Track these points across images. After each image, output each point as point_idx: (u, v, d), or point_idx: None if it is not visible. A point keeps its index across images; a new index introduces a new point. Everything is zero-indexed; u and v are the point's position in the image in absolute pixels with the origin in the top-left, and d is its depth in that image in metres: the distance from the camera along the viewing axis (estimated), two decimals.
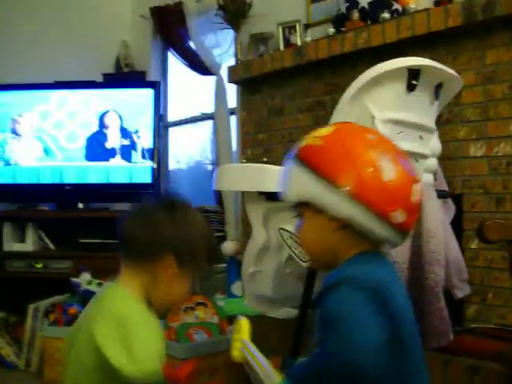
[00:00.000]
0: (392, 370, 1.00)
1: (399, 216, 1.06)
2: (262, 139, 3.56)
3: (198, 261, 1.27)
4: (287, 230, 1.79)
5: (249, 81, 3.54)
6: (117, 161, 3.75)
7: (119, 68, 4.60)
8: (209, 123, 4.22)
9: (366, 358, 0.94)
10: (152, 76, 4.45)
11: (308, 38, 3.18)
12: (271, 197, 1.79)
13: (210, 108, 4.10)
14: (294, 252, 1.81)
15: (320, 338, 1.03)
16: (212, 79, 3.99)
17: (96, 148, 3.77)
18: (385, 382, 1.00)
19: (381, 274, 1.08)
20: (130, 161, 3.75)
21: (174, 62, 4.51)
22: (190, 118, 4.41)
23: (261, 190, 1.79)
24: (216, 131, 3.89)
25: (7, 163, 3.84)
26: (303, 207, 1.13)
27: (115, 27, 4.70)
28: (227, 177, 1.93)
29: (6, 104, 3.89)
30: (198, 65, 4.07)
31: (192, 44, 4.14)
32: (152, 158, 3.74)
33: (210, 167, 4.19)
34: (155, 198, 1.38)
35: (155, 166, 3.73)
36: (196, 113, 4.37)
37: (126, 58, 4.65)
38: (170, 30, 4.32)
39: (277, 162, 3.37)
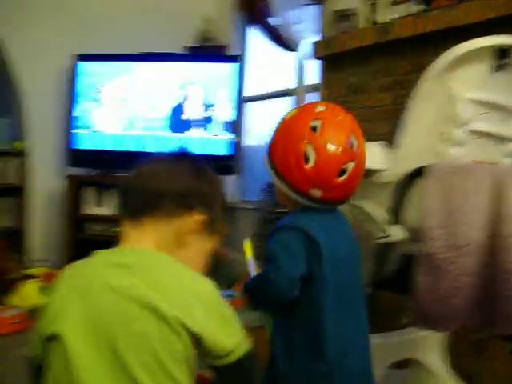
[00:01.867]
0: (309, 295, 1.27)
1: (316, 193, 1.30)
2: None
3: (222, 221, 1.17)
4: (358, 206, 1.79)
5: (330, 57, 3.52)
6: (197, 132, 3.83)
7: (201, 42, 4.67)
8: (287, 100, 4.22)
9: (285, 284, 1.25)
10: (232, 51, 4.49)
11: (392, 16, 3.13)
12: None
13: (289, 84, 4.10)
14: (366, 229, 1.82)
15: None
16: (293, 55, 3.98)
17: (177, 119, 3.86)
18: (302, 303, 1.28)
19: (313, 221, 1.31)
20: (209, 133, 3.83)
21: (255, 37, 4.53)
22: (268, 94, 4.43)
23: None
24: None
25: (91, 130, 4.00)
26: None
27: (199, 1, 4.76)
28: None
29: (91, 74, 4.05)
30: (280, 40, 4.07)
31: (274, 19, 4.14)
32: (231, 131, 3.80)
33: None
34: (167, 153, 1.22)
35: (235, 139, 3.79)
36: (274, 89, 4.38)
37: (207, 31, 4.71)
38: (253, 5, 4.33)
39: None
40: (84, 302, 0.95)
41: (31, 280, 3.57)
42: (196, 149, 3.81)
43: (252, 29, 4.50)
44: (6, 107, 4.47)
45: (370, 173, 1.82)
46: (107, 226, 3.83)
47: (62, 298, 0.99)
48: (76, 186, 3.95)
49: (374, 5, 3.35)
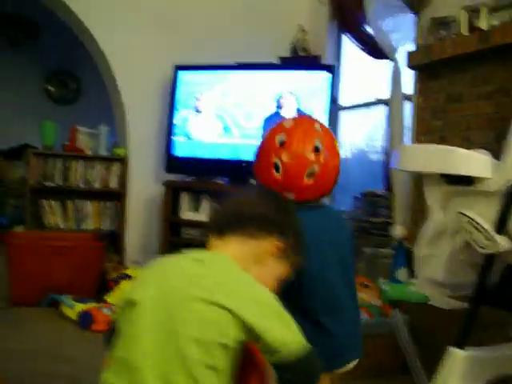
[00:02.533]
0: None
1: (290, 196, 1.51)
2: (438, 126, 3.48)
3: (296, 252, 1.33)
4: (467, 215, 1.76)
5: (427, 66, 3.47)
6: None
7: (295, 52, 4.72)
8: (381, 109, 4.20)
9: None
10: (327, 60, 4.51)
11: (494, 22, 3.05)
12: (453, 180, 1.78)
13: (382, 93, 4.07)
14: (471, 238, 1.79)
15: None
16: (387, 64, 3.95)
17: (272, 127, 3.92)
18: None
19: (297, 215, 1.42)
20: None
21: (349, 46, 4.53)
22: (362, 103, 4.42)
23: (445, 172, 1.78)
24: (390, 117, 3.86)
25: (188, 138, 4.13)
26: None
27: (292, 12, 4.82)
28: (411, 157, 1.94)
29: (190, 83, 4.19)
30: (375, 49, 4.05)
31: (369, 28, 4.13)
32: None
33: (378, 153, 4.17)
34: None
35: None
36: (368, 98, 4.36)
37: (301, 42, 4.75)
38: (347, 14, 4.34)
39: None
40: (160, 280, 1.17)
41: (130, 280, 3.72)
42: None
43: (346, 38, 4.50)
44: (109, 115, 4.70)
45: (474, 180, 1.79)
46: (202, 231, 3.93)
47: (145, 275, 1.23)
48: (173, 192, 4.09)
49: (474, 11, 3.29)
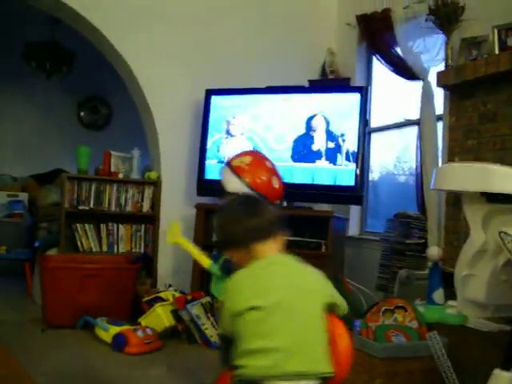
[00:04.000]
0: None
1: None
2: (472, 146, 3.46)
3: None
4: (509, 234, 1.74)
5: (459, 86, 3.46)
6: (322, 163, 3.88)
7: (324, 74, 4.75)
8: (411, 130, 4.19)
9: None
10: (356, 82, 4.53)
11: None
12: (493, 198, 1.76)
13: (413, 114, 4.07)
14: None
15: None
16: (418, 85, 3.95)
17: (302, 149, 3.94)
18: None
19: None
20: (334, 163, 3.86)
21: (378, 68, 4.55)
22: (392, 124, 4.41)
23: (485, 191, 1.76)
24: (421, 137, 3.84)
25: (220, 161, 4.16)
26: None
27: (321, 35, 4.86)
28: (449, 177, 1.92)
29: (222, 107, 4.23)
30: (405, 70, 4.05)
31: (399, 50, 4.14)
32: (356, 162, 3.80)
33: (409, 174, 4.15)
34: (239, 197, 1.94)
35: (358, 170, 3.79)
36: (398, 119, 4.36)
37: (331, 64, 4.78)
38: (377, 36, 4.35)
39: None
40: (270, 286, 1.51)
41: (163, 303, 3.73)
42: (322, 179, 3.85)
43: (376, 59, 4.51)
44: (141, 140, 4.77)
45: None
46: None
47: (249, 285, 1.52)
48: (205, 214, 4.10)
49: (506, 30, 3.28)
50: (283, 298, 1.48)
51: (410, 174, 4.28)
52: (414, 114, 4.06)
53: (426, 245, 3.68)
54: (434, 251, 3.06)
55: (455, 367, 2.79)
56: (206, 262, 2.45)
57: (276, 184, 2.38)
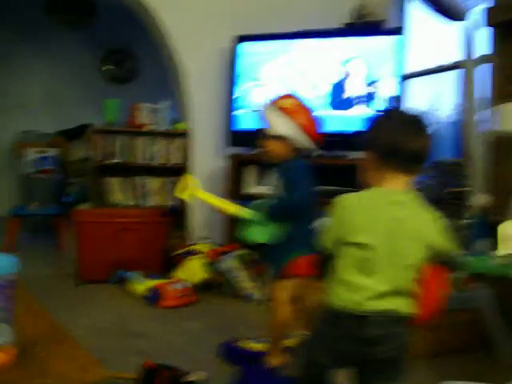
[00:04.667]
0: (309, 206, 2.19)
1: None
2: None
3: None
4: None
5: (508, 23, 3.24)
6: (359, 109, 3.71)
7: (358, 17, 4.52)
8: (444, 75, 3.99)
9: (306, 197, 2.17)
10: (391, 25, 4.30)
11: None
12: None
13: (447, 59, 3.87)
14: None
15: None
16: (459, 26, 3.72)
17: (339, 96, 3.77)
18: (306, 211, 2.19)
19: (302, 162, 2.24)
20: (372, 110, 3.69)
21: (414, 9, 4.31)
22: (432, 69, 4.20)
23: None
24: (464, 81, 3.64)
25: (251, 110, 4.02)
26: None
27: None
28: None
29: (251, 54, 4.06)
30: (445, 10, 3.83)
31: None
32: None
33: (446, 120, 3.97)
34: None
35: None
36: (438, 63, 4.15)
37: (364, 7, 4.55)
38: None
39: None
40: (380, 225, 1.46)
41: (196, 256, 3.67)
42: (359, 127, 3.69)
43: (411, 1, 4.28)
44: (168, 90, 4.64)
45: None
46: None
47: (361, 219, 1.48)
48: (237, 166, 4.00)
49: None
50: (388, 239, 1.45)
51: (444, 121, 4.11)
52: (449, 59, 3.85)
53: (466, 193, 3.53)
54: (480, 199, 2.91)
55: (502, 320, 2.70)
56: (232, 207, 2.27)
57: (318, 128, 2.25)
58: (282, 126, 2.17)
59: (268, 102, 2.28)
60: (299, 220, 2.20)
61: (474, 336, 2.72)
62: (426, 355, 2.52)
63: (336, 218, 1.52)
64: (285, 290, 2.21)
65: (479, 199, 2.90)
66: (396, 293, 1.45)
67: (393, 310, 1.44)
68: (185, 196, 2.34)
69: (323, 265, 1.55)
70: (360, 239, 1.45)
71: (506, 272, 2.83)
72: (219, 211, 2.39)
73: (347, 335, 1.45)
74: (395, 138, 1.46)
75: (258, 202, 2.26)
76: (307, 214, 2.22)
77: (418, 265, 1.47)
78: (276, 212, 2.19)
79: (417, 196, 1.52)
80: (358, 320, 1.42)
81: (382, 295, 1.44)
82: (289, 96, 2.32)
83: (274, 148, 2.24)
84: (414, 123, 1.50)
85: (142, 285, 3.43)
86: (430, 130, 1.50)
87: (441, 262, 1.50)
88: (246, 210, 2.23)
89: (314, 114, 2.26)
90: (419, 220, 1.48)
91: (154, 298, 3.30)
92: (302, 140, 2.20)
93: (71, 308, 3.20)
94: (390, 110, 1.78)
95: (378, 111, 1.67)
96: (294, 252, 2.16)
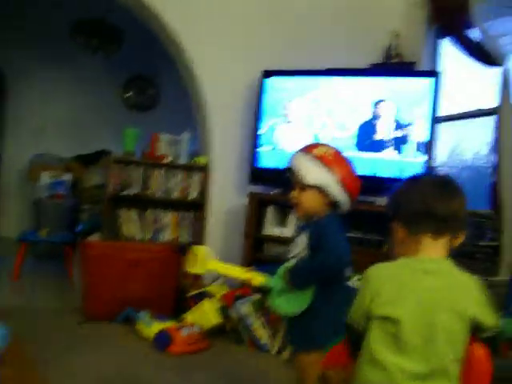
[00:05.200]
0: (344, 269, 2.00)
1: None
2: None
3: None
4: None
5: None
6: (388, 153, 3.54)
7: (388, 57, 4.38)
8: (484, 120, 3.81)
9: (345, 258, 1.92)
10: (422, 67, 4.15)
11: None
12: None
13: (485, 103, 3.70)
14: None
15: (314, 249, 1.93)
16: (494, 71, 3.57)
17: (367, 138, 3.61)
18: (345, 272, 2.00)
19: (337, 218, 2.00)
20: (401, 154, 3.52)
21: (448, 51, 4.16)
22: (465, 113, 4.03)
23: None
24: (499, 128, 3.47)
25: (274, 148, 3.87)
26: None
27: (385, 16, 4.47)
28: None
29: (280, 89, 3.93)
30: (481, 54, 3.67)
31: (474, 32, 3.75)
32: (425, 153, 3.46)
33: (486, 168, 3.78)
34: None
35: (429, 162, 3.44)
36: (472, 108, 3.98)
37: (395, 47, 4.41)
38: (450, 16, 3.97)
39: None
40: (411, 297, 1.32)
41: (210, 299, 3.48)
42: (387, 171, 3.52)
43: (446, 42, 4.13)
44: (190, 120, 4.51)
45: None
46: (287, 248, 3.64)
47: (392, 291, 1.34)
48: (257, 204, 3.82)
49: None
50: (422, 312, 1.30)
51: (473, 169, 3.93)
52: (481, 104, 3.70)
53: (498, 248, 3.33)
54: None
55: None
56: (257, 279, 2.01)
57: (358, 182, 2.06)
58: (319, 175, 1.96)
59: (301, 149, 2.09)
60: (331, 287, 1.95)
61: None
62: None
63: (365, 289, 1.39)
64: (315, 363, 1.92)
65: None
66: (435, 374, 1.28)
67: None
68: (196, 270, 2.09)
69: (355, 345, 1.40)
70: (387, 312, 1.32)
71: None
72: (237, 281, 2.28)
73: None
74: (427, 201, 1.36)
75: (283, 266, 2.01)
76: (341, 280, 2.01)
77: (460, 341, 1.31)
78: (301, 275, 1.93)
79: (453, 263, 1.38)
80: None
81: (418, 376, 1.27)
82: (323, 145, 2.14)
83: (307, 200, 1.99)
84: (445, 185, 1.41)
85: (151, 327, 3.23)
86: (462, 191, 1.41)
87: (482, 338, 1.35)
88: (267, 277, 2.01)
89: (352, 165, 2.07)
90: (458, 289, 1.34)
91: (163, 342, 3.10)
92: (340, 194, 1.98)
93: (72, 351, 2.97)
94: (417, 174, 1.59)
95: (405, 178, 1.52)
96: (326, 331, 1.88)
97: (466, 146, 4.17)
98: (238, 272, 2.06)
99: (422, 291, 1.32)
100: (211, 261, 2.06)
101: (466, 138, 4.12)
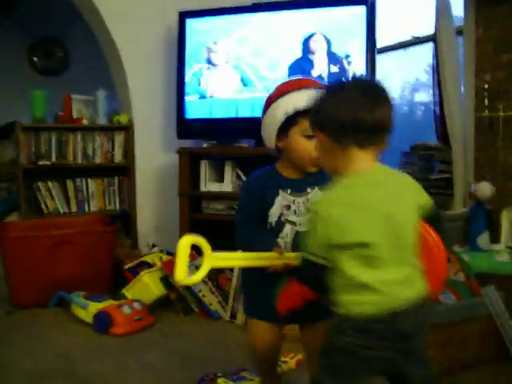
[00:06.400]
0: None
1: None
2: (507, 60, 2.92)
3: None
4: None
5: None
6: None
7: None
8: (422, 48, 3.61)
9: None
10: None
11: None
12: None
13: (424, 30, 3.52)
14: None
15: None
16: None
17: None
18: None
19: None
20: None
21: None
22: (404, 42, 3.80)
23: None
24: (438, 55, 3.26)
25: (202, 96, 3.54)
26: None
27: None
28: None
29: (200, 31, 3.58)
30: None
31: None
32: None
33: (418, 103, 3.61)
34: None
35: None
36: (406, 37, 3.76)
37: None
38: None
39: None
40: (373, 214, 1.30)
41: (150, 269, 3.16)
42: None
43: None
44: (105, 77, 4.07)
45: None
46: (227, 204, 3.37)
47: (354, 216, 1.29)
48: (189, 160, 3.49)
49: None
50: (388, 226, 1.30)
51: (421, 102, 3.76)
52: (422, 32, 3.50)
53: (450, 180, 3.17)
54: (485, 188, 2.51)
55: None
56: (291, 257, 1.56)
57: None
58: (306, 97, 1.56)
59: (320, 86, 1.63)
60: None
61: (489, 348, 2.33)
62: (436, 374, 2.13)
63: (322, 221, 1.31)
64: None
65: (484, 188, 2.50)
66: (414, 274, 1.34)
67: (419, 293, 1.32)
68: (199, 277, 1.52)
69: (318, 278, 1.34)
70: (362, 238, 1.29)
71: None
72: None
73: (381, 341, 1.28)
74: (354, 110, 1.28)
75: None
76: None
77: (416, 231, 1.35)
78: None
79: (386, 166, 1.38)
80: (391, 320, 1.27)
81: (405, 282, 1.31)
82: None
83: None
84: (372, 91, 1.34)
85: (88, 309, 2.89)
86: (390, 97, 1.34)
87: (428, 218, 1.39)
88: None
89: None
90: (404, 189, 1.37)
91: (103, 324, 2.77)
92: None
93: (4, 343, 2.64)
94: (342, 80, 1.54)
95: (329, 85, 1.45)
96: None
97: (405, 77, 3.99)
98: (265, 258, 1.59)
99: (378, 205, 1.31)
100: (213, 256, 1.53)
101: (406, 68, 3.92)
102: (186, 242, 1.45)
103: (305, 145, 1.64)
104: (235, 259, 1.61)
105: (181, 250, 1.44)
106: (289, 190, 1.68)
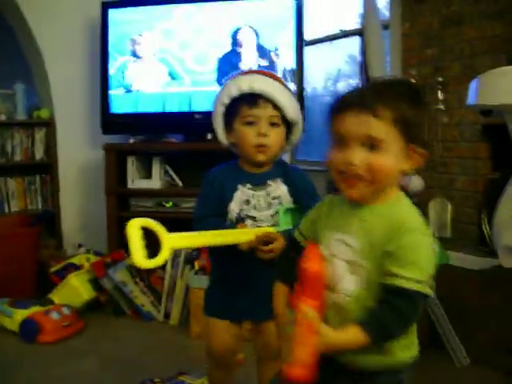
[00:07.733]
0: None
1: None
2: (432, 55, 2.99)
3: None
4: None
5: None
6: None
7: None
8: (349, 41, 3.64)
9: None
10: None
11: None
12: None
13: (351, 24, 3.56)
14: None
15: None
16: None
17: (229, 70, 3.25)
18: None
19: None
20: None
21: None
22: (332, 35, 3.81)
23: None
24: (366, 49, 3.29)
25: (128, 90, 3.42)
26: None
27: None
28: (497, 87, 1.38)
29: (124, 22, 3.44)
30: None
31: None
32: (295, 81, 3.21)
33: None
34: None
35: (298, 89, 3.19)
36: (333, 30, 3.78)
37: None
38: None
39: (452, 81, 2.77)
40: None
41: (77, 272, 3.04)
42: None
43: None
44: (25, 71, 3.86)
45: None
46: (158, 201, 3.28)
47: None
48: (115, 157, 3.37)
49: None
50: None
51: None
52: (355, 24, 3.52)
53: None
54: (417, 182, 2.54)
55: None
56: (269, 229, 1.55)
57: None
58: (297, 110, 1.60)
59: (263, 72, 1.63)
60: None
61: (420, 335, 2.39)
62: None
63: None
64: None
65: (417, 183, 2.53)
66: None
67: None
68: (160, 260, 1.39)
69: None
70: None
71: (442, 260, 2.54)
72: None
73: None
74: None
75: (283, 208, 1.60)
76: None
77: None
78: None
79: None
80: None
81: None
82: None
83: (280, 139, 1.59)
84: None
85: (12, 317, 2.74)
86: None
87: None
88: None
89: None
90: None
91: (30, 332, 2.64)
92: (299, 134, 1.66)
93: None
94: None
95: None
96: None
97: (328, 68, 4.01)
98: (230, 234, 1.52)
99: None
100: (175, 236, 1.42)
101: (334, 62, 3.95)
102: (134, 223, 1.35)
103: (246, 131, 1.56)
104: (197, 237, 1.49)
105: (131, 233, 1.33)
106: (248, 185, 1.60)
